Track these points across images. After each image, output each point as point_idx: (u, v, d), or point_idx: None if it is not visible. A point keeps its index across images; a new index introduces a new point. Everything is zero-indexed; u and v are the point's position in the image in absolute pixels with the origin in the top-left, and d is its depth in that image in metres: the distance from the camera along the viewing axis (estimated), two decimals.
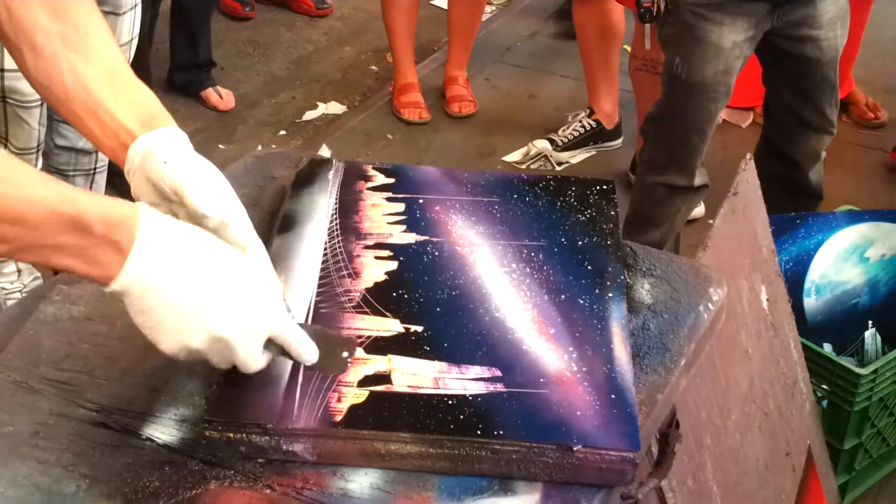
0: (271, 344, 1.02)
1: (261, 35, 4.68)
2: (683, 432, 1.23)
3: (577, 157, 3.79)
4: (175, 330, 0.96)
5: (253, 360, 1.01)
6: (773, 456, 1.73)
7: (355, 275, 1.20)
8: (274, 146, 3.77)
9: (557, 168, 3.73)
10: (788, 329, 1.84)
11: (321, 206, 1.31)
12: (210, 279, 0.97)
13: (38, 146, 2.35)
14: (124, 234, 0.93)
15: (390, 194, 1.34)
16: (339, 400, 1.03)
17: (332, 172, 1.38)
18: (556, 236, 1.28)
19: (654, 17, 2.64)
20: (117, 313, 1.08)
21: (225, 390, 1.03)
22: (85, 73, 1.09)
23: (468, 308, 1.16)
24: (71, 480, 0.99)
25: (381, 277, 1.20)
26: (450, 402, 1.03)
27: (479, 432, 1.00)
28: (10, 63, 2.14)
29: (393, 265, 1.22)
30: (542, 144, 3.79)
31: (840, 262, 2.54)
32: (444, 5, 4.25)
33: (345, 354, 1.08)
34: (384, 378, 1.06)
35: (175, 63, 4.07)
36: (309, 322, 1.13)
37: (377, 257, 1.23)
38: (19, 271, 2.57)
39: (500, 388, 1.05)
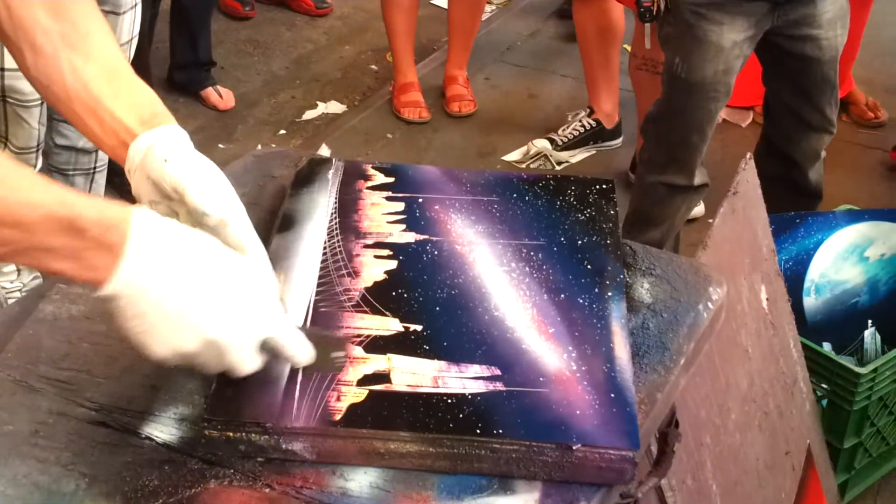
0: (265, 346, 1.01)
1: (261, 34, 4.68)
2: (683, 431, 1.23)
3: (577, 156, 3.79)
4: (167, 333, 0.95)
5: (245, 363, 1.00)
6: (773, 455, 1.73)
7: (355, 274, 1.20)
8: (274, 145, 3.77)
9: (557, 167, 3.73)
10: (788, 328, 1.84)
11: (321, 206, 1.31)
12: (203, 281, 0.96)
13: (38, 145, 2.35)
14: (118, 237, 0.92)
15: (390, 193, 1.34)
16: (338, 399, 1.03)
17: (331, 172, 1.38)
18: (555, 235, 1.28)
19: (654, 16, 2.64)
20: None
21: (224, 389, 1.03)
22: (85, 71, 1.09)
23: (468, 307, 1.16)
24: (70, 479, 0.99)
25: (381, 276, 1.20)
26: (449, 400, 1.03)
27: (478, 431, 1.00)
28: (9, 62, 2.14)
29: (392, 264, 1.22)
30: (541, 144, 3.79)
31: (840, 261, 2.54)
32: (444, 4, 4.25)
33: (339, 355, 1.08)
34: (383, 377, 1.06)
35: (175, 62, 4.07)
36: (308, 321, 1.13)
37: (377, 256, 1.23)
38: (19, 270, 2.57)
39: (499, 387, 1.05)
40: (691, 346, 1.19)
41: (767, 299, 1.74)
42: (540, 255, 1.25)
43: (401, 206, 1.32)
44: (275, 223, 1.28)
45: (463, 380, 1.06)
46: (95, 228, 0.91)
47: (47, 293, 1.22)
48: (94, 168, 2.72)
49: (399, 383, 1.05)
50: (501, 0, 5.07)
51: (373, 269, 1.21)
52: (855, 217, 2.55)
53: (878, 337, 2.52)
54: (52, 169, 2.69)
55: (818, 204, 2.86)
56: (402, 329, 1.13)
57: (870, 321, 2.54)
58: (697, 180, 2.74)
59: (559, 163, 3.75)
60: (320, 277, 1.19)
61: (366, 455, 1.01)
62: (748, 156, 1.74)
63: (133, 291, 0.93)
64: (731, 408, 1.54)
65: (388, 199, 1.33)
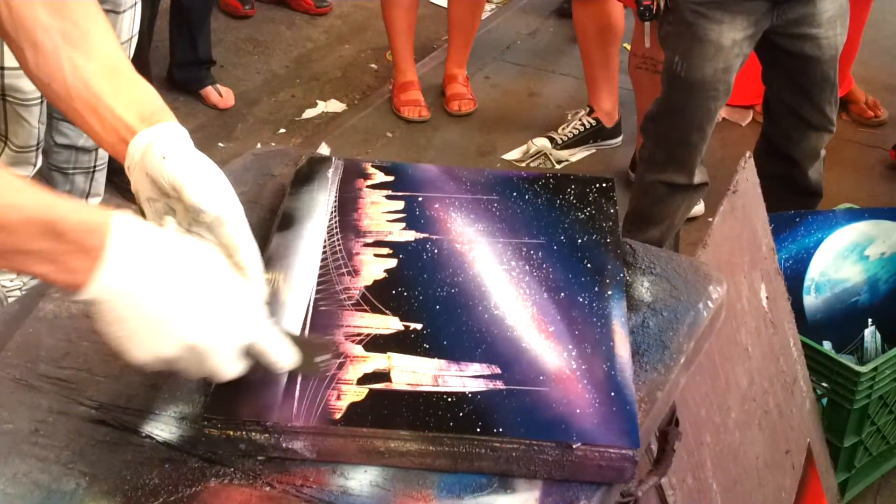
0: (247, 351, 1.01)
1: (260, 33, 4.68)
2: (683, 430, 1.23)
3: (577, 155, 3.79)
4: (147, 338, 0.95)
5: (227, 367, 0.99)
6: (773, 454, 1.73)
7: (355, 272, 1.20)
8: (273, 144, 3.76)
9: (557, 166, 3.73)
10: (788, 327, 1.84)
11: (321, 204, 1.31)
12: (183, 286, 0.95)
13: (38, 144, 2.35)
14: (97, 241, 0.92)
15: (390, 192, 1.34)
16: (338, 397, 1.03)
17: (331, 170, 1.38)
18: (555, 234, 1.28)
19: (653, 15, 2.64)
20: None
21: (224, 387, 1.03)
22: (85, 69, 1.09)
23: (468, 306, 1.16)
24: (70, 478, 0.99)
25: (381, 275, 1.20)
26: (449, 399, 1.03)
27: (478, 430, 1.00)
28: (9, 61, 2.14)
29: (392, 263, 1.22)
30: (541, 142, 3.78)
31: (840, 259, 2.54)
32: (444, 3, 4.25)
33: (324, 359, 1.07)
34: (384, 376, 1.06)
35: (175, 61, 4.07)
36: (308, 320, 1.13)
37: (376, 255, 1.23)
38: None
39: (499, 385, 1.05)
40: (691, 344, 1.19)
41: (767, 298, 1.74)
42: (540, 253, 1.25)
43: (401, 204, 1.32)
44: (275, 222, 1.28)
45: (463, 378, 1.06)
46: (75, 232, 0.91)
47: (47, 292, 1.22)
48: (94, 167, 2.72)
49: (399, 382, 1.05)
50: None
51: (373, 267, 1.21)
52: (855, 216, 2.55)
53: (878, 335, 2.52)
54: (52, 168, 2.69)
55: (818, 202, 2.86)
56: (402, 328, 1.13)
57: (870, 320, 2.54)
58: (697, 179, 2.74)
59: (559, 161, 3.75)
60: (320, 276, 1.19)
61: (366, 454, 1.01)
62: (748, 154, 1.73)
63: (112, 296, 0.93)
64: (731, 406, 1.54)
65: (388, 197, 1.33)
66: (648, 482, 1.12)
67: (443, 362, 1.08)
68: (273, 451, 1.01)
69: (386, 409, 1.02)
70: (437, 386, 1.05)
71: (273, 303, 1.14)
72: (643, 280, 1.26)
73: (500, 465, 1.01)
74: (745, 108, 3.94)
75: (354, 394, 1.04)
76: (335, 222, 1.28)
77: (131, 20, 2.49)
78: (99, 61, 1.10)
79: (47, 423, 1.05)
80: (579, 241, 1.27)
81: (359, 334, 1.11)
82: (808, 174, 2.80)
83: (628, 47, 3.60)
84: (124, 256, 0.93)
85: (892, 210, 2.58)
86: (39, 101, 2.26)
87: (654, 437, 1.19)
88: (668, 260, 1.29)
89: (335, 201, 1.32)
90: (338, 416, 1.01)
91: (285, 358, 1.03)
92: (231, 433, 1.01)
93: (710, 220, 1.59)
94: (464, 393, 1.04)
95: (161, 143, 1.06)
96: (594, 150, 3.82)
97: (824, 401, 2.28)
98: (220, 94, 4.06)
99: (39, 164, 2.40)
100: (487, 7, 4.61)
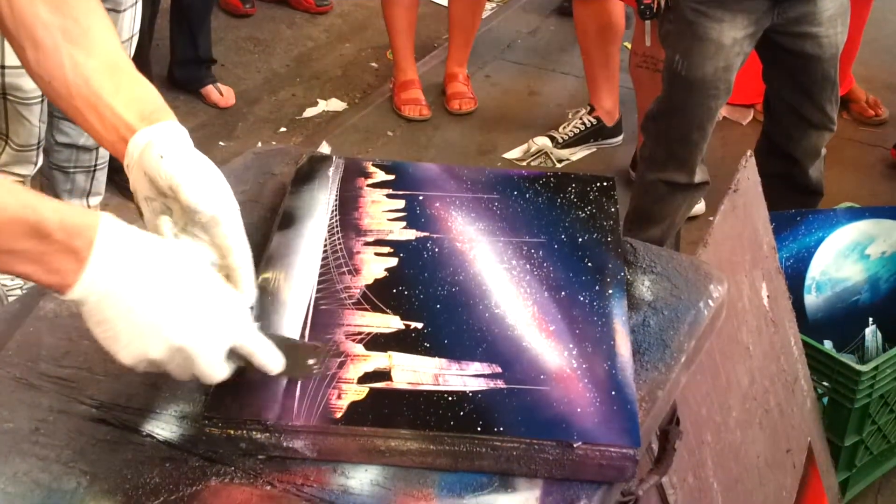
0: (234, 354, 1.01)
1: (261, 32, 4.68)
2: (684, 429, 1.23)
3: (578, 154, 3.79)
4: (133, 340, 0.95)
5: (214, 370, 0.99)
6: (774, 453, 1.73)
7: (355, 271, 1.20)
8: (274, 143, 3.77)
9: (558, 165, 3.73)
10: (789, 326, 1.84)
11: (321, 203, 1.31)
12: (168, 289, 0.95)
13: (39, 143, 2.35)
14: (83, 242, 0.92)
15: (390, 191, 1.34)
16: (339, 396, 1.03)
17: (332, 169, 1.38)
18: (556, 233, 1.28)
19: (654, 13, 2.64)
20: None
21: (225, 387, 1.03)
22: (86, 67, 1.09)
23: (468, 304, 1.16)
24: (71, 477, 0.99)
25: (381, 274, 1.20)
26: (450, 398, 1.03)
27: (479, 429, 1.00)
28: (10, 60, 2.14)
29: (393, 262, 1.22)
30: (542, 141, 3.78)
31: (841, 258, 2.54)
32: (445, 2, 4.25)
33: (312, 362, 1.07)
34: (384, 375, 1.06)
35: (175, 59, 4.07)
36: (309, 319, 1.13)
37: (377, 254, 1.23)
38: None
39: (500, 384, 1.05)
40: (692, 343, 1.19)
41: (768, 297, 1.73)
42: (540, 252, 1.24)
43: (401, 203, 1.32)
44: (275, 220, 1.28)
45: (464, 377, 1.06)
46: (60, 233, 0.91)
47: (48, 291, 1.21)
48: (95, 165, 2.72)
49: (400, 381, 1.05)
50: None
51: (373, 266, 1.21)
52: (856, 215, 2.55)
53: (879, 335, 2.52)
54: (52, 166, 2.69)
55: (819, 201, 2.86)
56: (403, 326, 1.12)
57: (871, 319, 2.53)
58: (698, 178, 2.74)
59: (560, 160, 3.75)
60: (321, 275, 1.19)
61: (367, 453, 1.01)
62: (749, 153, 1.73)
63: (98, 297, 0.93)
64: (731, 405, 1.54)
65: (389, 196, 1.33)
66: (649, 481, 1.12)
67: (443, 361, 1.08)
68: (274, 450, 1.01)
69: (386, 408, 1.02)
70: (438, 385, 1.05)
71: (272, 302, 1.14)
72: (644, 279, 1.26)
73: (501, 465, 1.01)
74: (746, 106, 3.94)
75: (355, 393, 1.04)
76: (336, 221, 1.28)
77: (132, 19, 2.49)
78: (99, 59, 1.10)
79: (48, 421, 1.05)
80: (580, 239, 1.27)
81: (359, 333, 1.11)
82: (809, 173, 2.79)
83: (629, 46, 3.60)
84: (110, 258, 0.93)
85: (892, 209, 2.57)
86: (40, 99, 2.26)
87: (654, 436, 1.19)
88: (668, 259, 1.29)
89: (336, 200, 1.32)
90: (338, 415, 1.01)
91: (273, 361, 1.03)
92: (232, 432, 1.01)
93: (711, 218, 1.59)
94: (464, 392, 1.04)
95: (159, 142, 1.06)
96: (595, 149, 3.82)
97: (825, 400, 2.28)
98: (221, 93, 4.06)
99: (40, 162, 2.40)
100: (488, 6, 4.61)
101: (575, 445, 0.99)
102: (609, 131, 3.83)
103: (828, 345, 2.45)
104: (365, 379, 1.05)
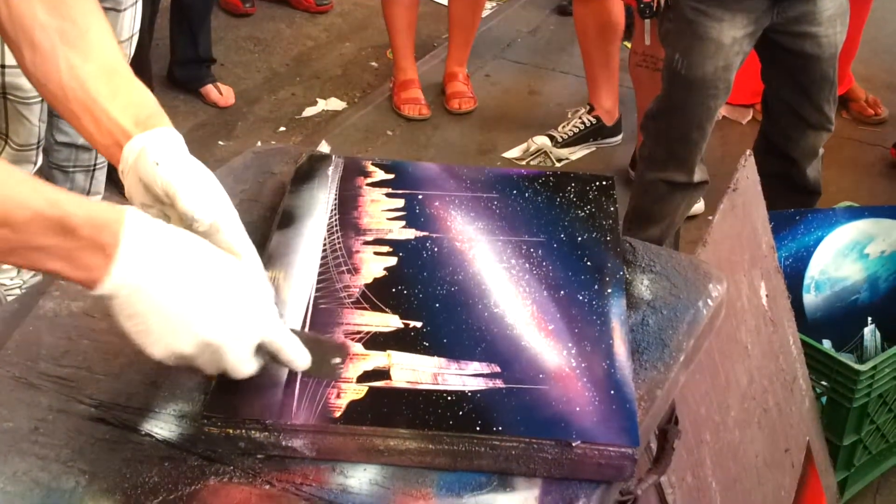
0: (262, 349, 1.01)
1: (261, 31, 4.68)
2: (682, 428, 1.23)
3: (577, 153, 3.79)
4: (163, 334, 0.95)
5: (243, 365, 1.00)
6: (773, 452, 1.73)
7: (354, 270, 1.20)
8: (274, 142, 3.76)
9: (557, 164, 3.73)
10: (788, 325, 1.84)
11: (321, 202, 1.31)
12: (198, 283, 0.96)
13: (39, 143, 2.35)
14: (110, 237, 0.92)
15: (390, 190, 1.34)
16: (338, 396, 1.03)
17: (331, 168, 1.38)
18: (555, 232, 1.28)
19: (654, 12, 2.65)
20: None
21: (224, 386, 1.03)
22: (83, 70, 1.09)
23: (467, 304, 1.16)
24: (70, 476, 1.00)
25: (381, 273, 1.20)
26: (449, 397, 1.03)
27: (478, 428, 1.00)
28: (10, 59, 2.14)
29: (392, 261, 1.22)
30: (541, 141, 3.78)
31: (840, 258, 2.54)
32: (445, 1, 4.25)
33: (337, 361, 1.07)
34: (383, 374, 1.06)
35: (175, 59, 4.06)
36: (308, 318, 1.13)
37: (376, 253, 1.23)
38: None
39: (499, 383, 1.05)
40: (691, 342, 1.19)
41: (767, 296, 1.74)
42: (540, 251, 1.25)
43: (401, 202, 1.32)
44: (275, 220, 1.28)
45: (463, 377, 1.06)
46: (86, 228, 0.91)
47: (47, 290, 1.22)
48: (95, 165, 2.72)
49: (399, 380, 1.05)
50: None
51: (372, 265, 1.21)
52: (855, 214, 2.55)
53: (878, 334, 2.52)
54: (52, 166, 2.69)
55: (816, 200, 2.86)
56: (402, 326, 1.13)
57: (869, 318, 2.54)
58: (697, 177, 2.74)
59: (559, 160, 3.75)
60: (320, 274, 1.19)
61: (366, 452, 1.01)
62: (748, 153, 1.74)
63: (128, 292, 0.93)
64: (730, 405, 1.54)
65: (388, 195, 1.33)
66: (648, 480, 1.12)
67: (442, 360, 1.08)
68: (272, 450, 1.01)
69: (385, 407, 1.02)
70: (437, 384, 1.05)
71: (275, 301, 1.14)
72: (643, 278, 1.26)
73: (500, 464, 1.01)
74: (746, 106, 3.94)
75: (354, 392, 1.04)
76: (335, 220, 1.28)
77: (132, 18, 2.49)
78: (96, 62, 1.10)
79: (47, 421, 1.05)
80: (579, 239, 1.27)
81: (358, 332, 1.11)
82: (807, 173, 2.80)
83: (628, 45, 3.60)
84: (138, 252, 0.93)
85: (892, 208, 2.57)
86: (40, 99, 2.26)
87: (653, 435, 1.19)
88: (667, 258, 1.29)
89: (335, 199, 1.32)
90: (337, 414, 1.01)
91: (300, 358, 1.03)
92: (231, 431, 1.01)
93: (710, 218, 1.59)
94: (463, 391, 1.04)
95: (154, 148, 1.05)
96: (594, 149, 3.82)
97: (824, 399, 2.28)
98: (221, 93, 4.06)
99: (40, 162, 2.40)
100: (488, 5, 4.61)
101: (574, 445, 0.99)
102: (608, 131, 3.83)
103: (826, 344, 2.45)
104: (364, 378, 1.05)
